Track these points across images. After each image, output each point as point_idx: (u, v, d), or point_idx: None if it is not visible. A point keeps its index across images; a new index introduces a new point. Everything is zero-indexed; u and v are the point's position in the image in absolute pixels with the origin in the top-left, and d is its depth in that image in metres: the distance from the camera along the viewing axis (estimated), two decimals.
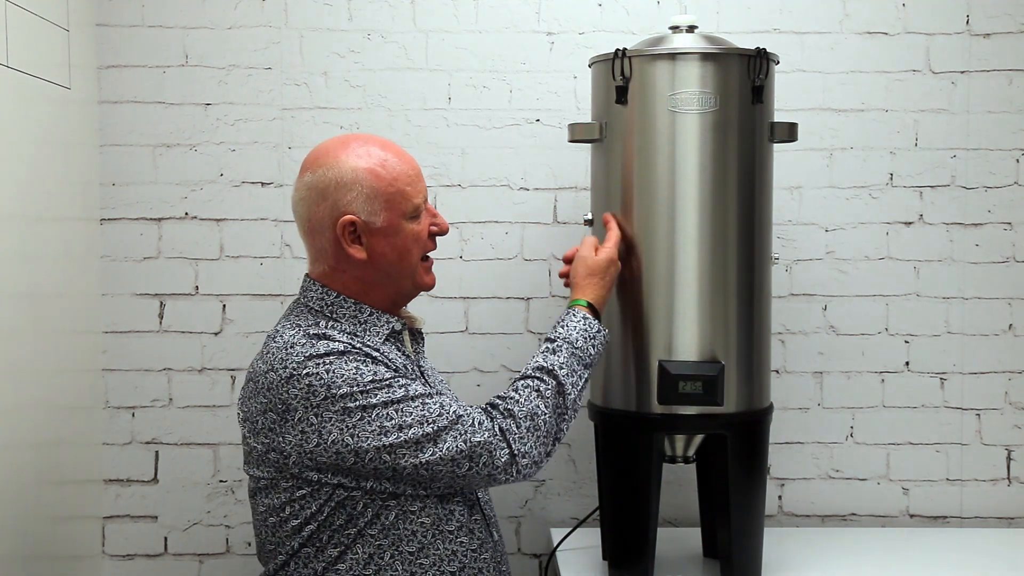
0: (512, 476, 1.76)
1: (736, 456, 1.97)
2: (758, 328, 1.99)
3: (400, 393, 1.72)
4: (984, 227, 2.46)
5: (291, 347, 1.73)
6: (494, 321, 2.44)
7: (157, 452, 2.43)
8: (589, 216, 2.07)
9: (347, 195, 1.78)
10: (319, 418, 1.70)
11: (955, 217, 2.46)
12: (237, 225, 2.41)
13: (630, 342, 1.97)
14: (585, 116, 2.21)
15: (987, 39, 2.44)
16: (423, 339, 1.98)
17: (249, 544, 2.43)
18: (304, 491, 1.75)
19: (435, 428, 1.72)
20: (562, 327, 1.87)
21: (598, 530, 2.18)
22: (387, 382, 1.72)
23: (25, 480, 2.02)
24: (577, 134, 2.07)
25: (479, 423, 1.74)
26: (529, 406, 1.78)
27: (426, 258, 1.88)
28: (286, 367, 1.72)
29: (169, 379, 2.42)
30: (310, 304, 1.83)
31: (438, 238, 1.90)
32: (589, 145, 2.12)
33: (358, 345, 1.75)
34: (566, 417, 1.82)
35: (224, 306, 2.42)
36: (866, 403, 2.47)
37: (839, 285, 2.46)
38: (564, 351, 1.84)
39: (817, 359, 2.47)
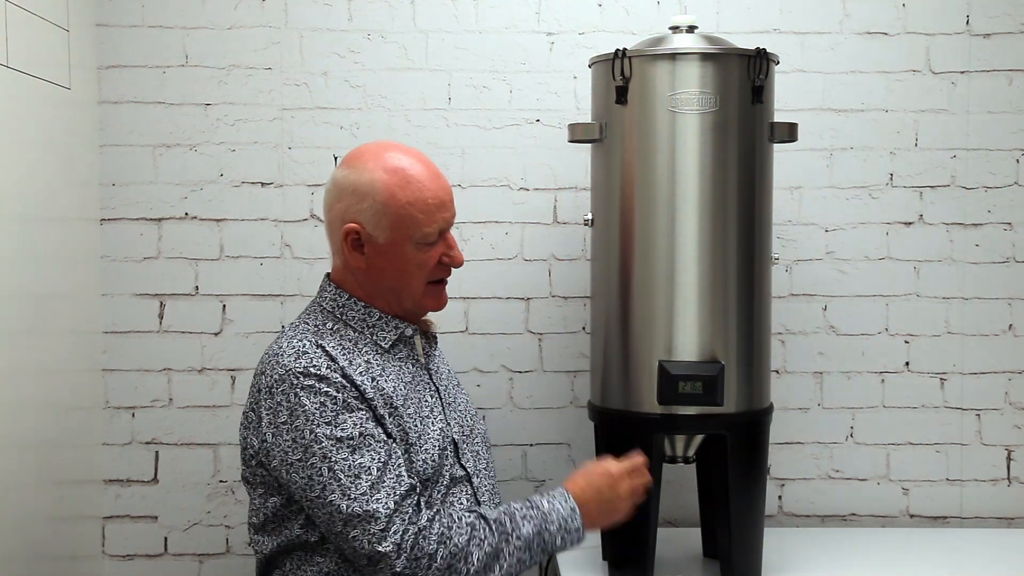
0: None
1: (736, 456, 1.97)
2: (758, 328, 1.99)
3: (342, 455, 1.67)
4: (984, 227, 2.46)
5: (280, 355, 1.75)
6: (494, 321, 2.44)
7: (157, 452, 2.43)
8: (589, 216, 2.07)
9: (360, 204, 1.77)
10: (274, 438, 1.72)
11: (955, 217, 2.46)
12: (237, 225, 2.41)
13: (630, 342, 1.97)
14: (585, 116, 2.21)
15: (987, 39, 2.44)
16: (436, 341, 1.98)
17: (249, 544, 2.42)
18: (276, 498, 1.77)
19: (350, 511, 1.66)
20: (548, 501, 1.80)
21: (598, 530, 2.17)
22: (339, 435, 1.69)
23: (25, 480, 2.02)
24: (577, 134, 2.07)
25: (391, 532, 1.65)
26: (463, 548, 1.69)
27: (439, 281, 1.86)
28: (270, 377, 1.74)
29: (169, 379, 2.42)
30: (323, 304, 1.85)
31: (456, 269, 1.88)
32: (589, 145, 2.12)
33: (344, 365, 1.74)
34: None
35: (224, 306, 2.42)
36: (866, 403, 2.47)
37: (839, 285, 2.46)
38: (534, 523, 1.76)
39: (817, 359, 2.47)
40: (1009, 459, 2.48)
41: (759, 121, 1.98)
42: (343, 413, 1.70)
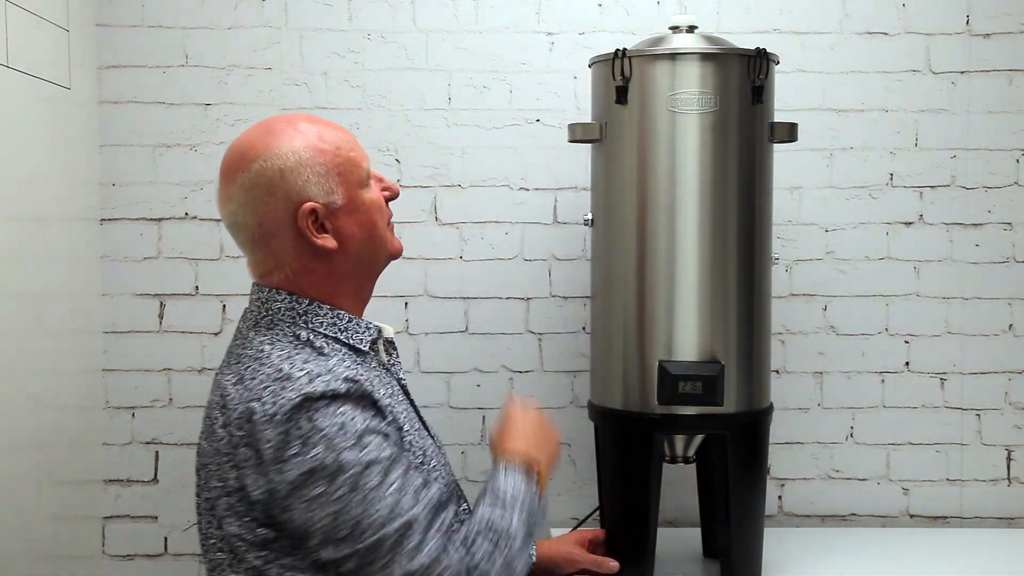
0: None
1: (736, 456, 1.97)
2: (758, 328, 1.99)
3: (374, 481, 1.43)
4: (984, 227, 2.46)
5: (287, 379, 1.47)
6: (494, 321, 2.44)
7: (157, 452, 2.43)
8: (589, 216, 2.07)
9: (297, 181, 1.53)
10: (282, 474, 1.44)
11: (955, 217, 2.46)
12: None
13: (630, 342, 1.97)
14: (585, 116, 2.21)
15: (987, 39, 2.44)
16: (395, 348, 1.72)
17: None
18: (288, 559, 1.48)
19: (382, 535, 1.42)
20: (502, 479, 1.58)
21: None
22: (369, 458, 1.44)
23: (25, 480, 2.02)
24: (577, 134, 2.06)
25: (423, 544, 1.44)
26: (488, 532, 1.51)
27: (388, 224, 1.66)
28: (273, 405, 1.45)
29: (169, 379, 2.42)
30: (277, 316, 1.58)
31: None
32: (589, 145, 2.12)
33: (360, 378, 1.49)
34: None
35: (224, 306, 2.42)
36: (866, 403, 2.47)
37: (839, 285, 2.46)
38: (519, 510, 1.55)
39: (817, 359, 2.47)
40: (1009, 459, 2.48)
41: (759, 121, 1.98)
42: (367, 436, 1.46)
